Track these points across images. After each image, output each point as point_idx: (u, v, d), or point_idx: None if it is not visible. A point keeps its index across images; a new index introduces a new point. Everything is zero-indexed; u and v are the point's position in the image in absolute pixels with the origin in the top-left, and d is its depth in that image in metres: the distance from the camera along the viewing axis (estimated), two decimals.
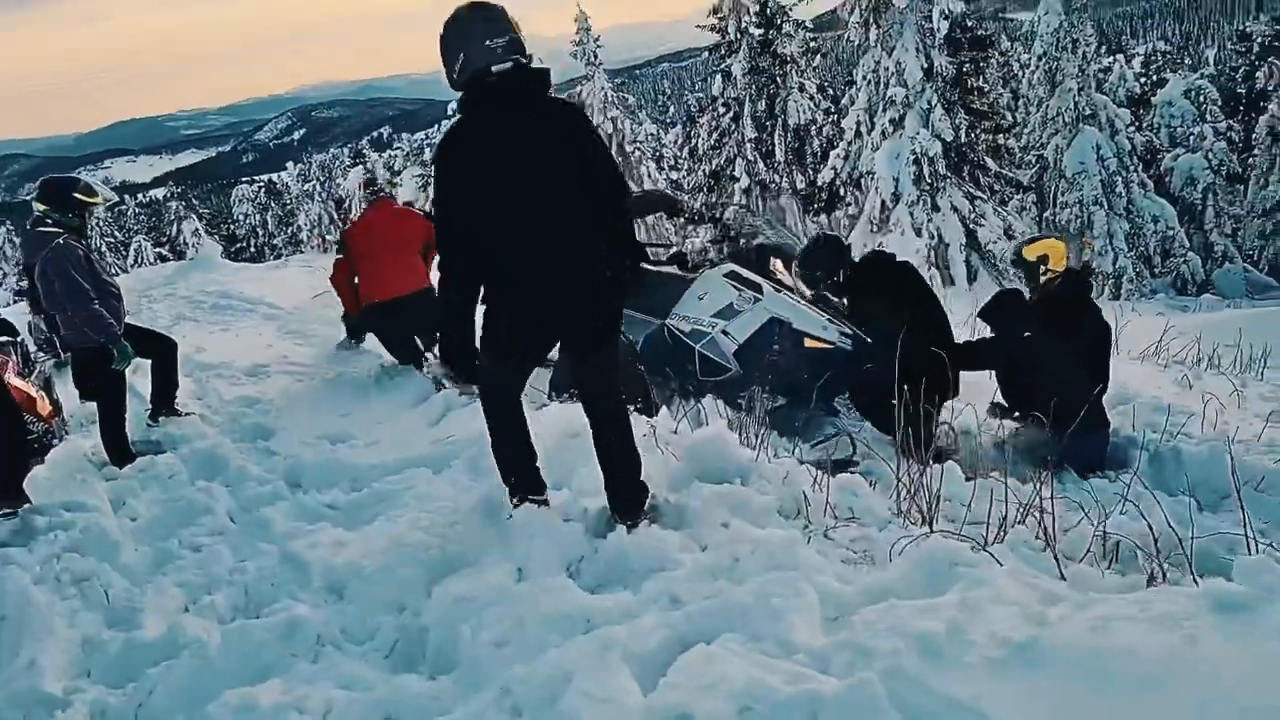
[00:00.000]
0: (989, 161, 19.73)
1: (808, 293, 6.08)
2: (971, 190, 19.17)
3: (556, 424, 4.77)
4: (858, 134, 20.52)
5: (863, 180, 20.41)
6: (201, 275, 15.73)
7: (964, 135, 18.91)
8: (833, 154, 21.90)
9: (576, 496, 4.22)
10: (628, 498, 3.80)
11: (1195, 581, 2.85)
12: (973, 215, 18.73)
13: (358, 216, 8.13)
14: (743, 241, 6.61)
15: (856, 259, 6.21)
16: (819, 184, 22.73)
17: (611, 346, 3.79)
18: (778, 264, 6.25)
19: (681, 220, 7.85)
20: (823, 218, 24.16)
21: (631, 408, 4.29)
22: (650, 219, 18.68)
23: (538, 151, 3.40)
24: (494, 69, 3.33)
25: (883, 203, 19.04)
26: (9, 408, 5.47)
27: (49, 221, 5.65)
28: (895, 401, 4.59)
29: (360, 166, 41.13)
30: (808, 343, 5.83)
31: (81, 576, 4.18)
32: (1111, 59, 28.16)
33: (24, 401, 6.07)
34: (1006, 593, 2.74)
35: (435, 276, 4.24)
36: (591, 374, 3.79)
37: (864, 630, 2.67)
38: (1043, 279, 5.70)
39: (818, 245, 6.21)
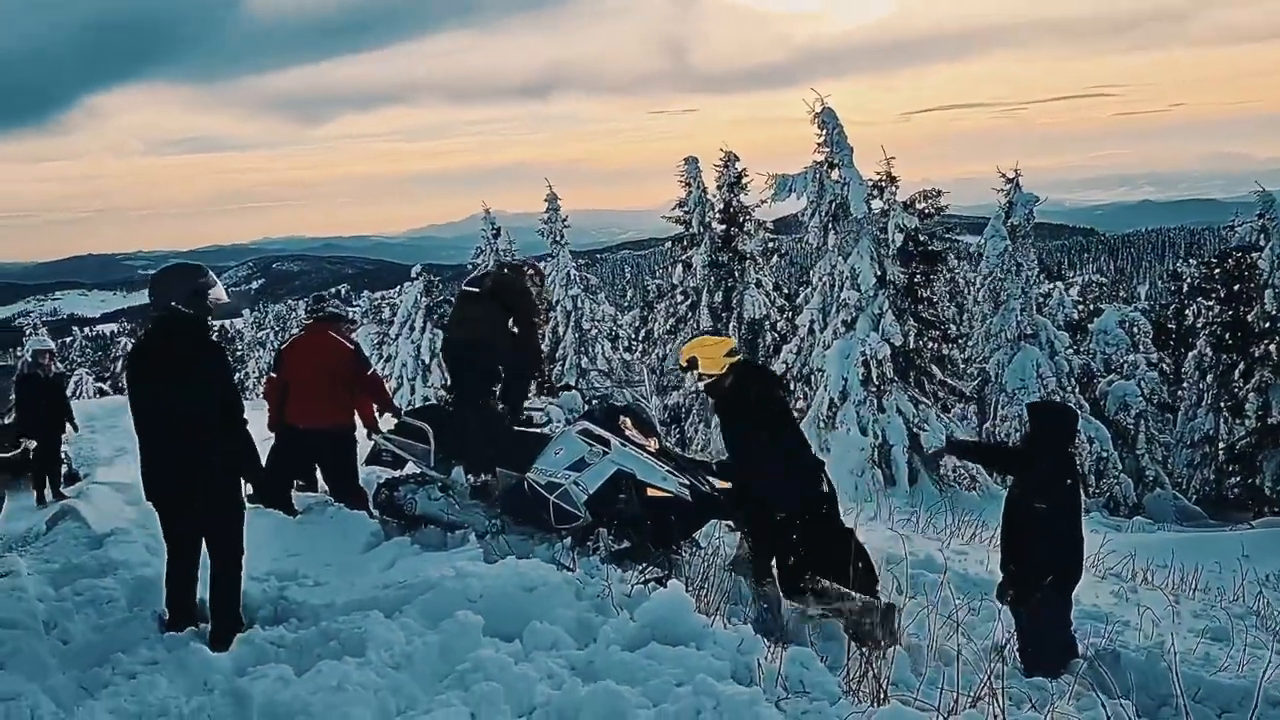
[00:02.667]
0: (934, 369, 20.38)
1: (653, 446, 6.64)
2: (916, 395, 19.71)
3: (513, 578, 4.78)
4: (810, 332, 21.16)
5: (813, 377, 20.92)
6: None
7: (912, 342, 19.58)
8: (785, 349, 22.51)
9: (529, 650, 4.21)
10: (222, 635, 4.68)
11: None
12: (917, 419, 19.19)
13: (297, 333, 8.29)
14: (596, 402, 7.15)
15: None
16: None
17: (211, 509, 4.87)
18: (626, 421, 6.77)
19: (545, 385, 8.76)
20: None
21: None
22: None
23: (166, 370, 4.76)
24: (152, 314, 4.93)
25: (831, 400, 19.47)
26: None
27: None
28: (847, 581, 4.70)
29: None
30: (650, 492, 6.38)
31: (8, 695, 4.03)
32: (1051, 285, 29.61)
33: None
34: None
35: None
36: (201, 531, 4.89)
37: None
38: (701, 386, 6.12)
39: None
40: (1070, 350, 23.64)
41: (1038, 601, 5.21)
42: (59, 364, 11.48)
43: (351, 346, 7.76)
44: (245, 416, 5.00)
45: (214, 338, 5.12)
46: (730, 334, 24.48)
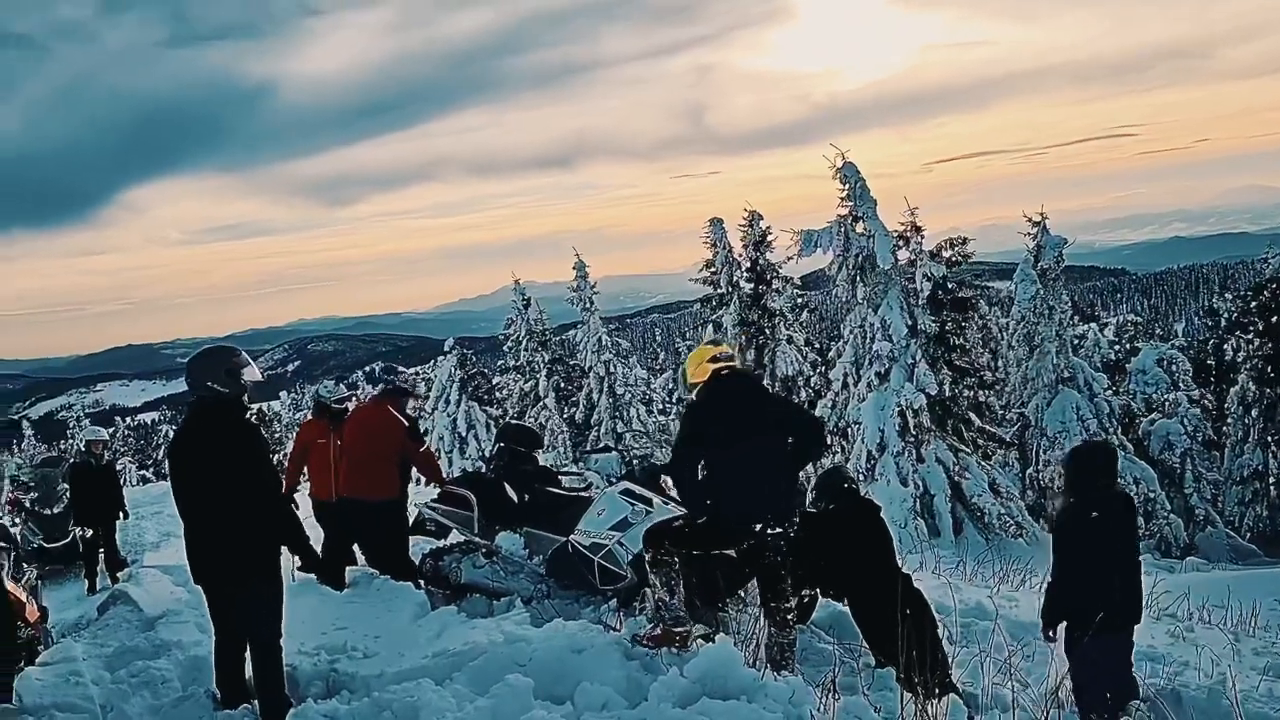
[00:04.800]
0: (972, 417, 20.22)
1: None
2: (956, 444, 19.54)
3: (561, 641, 4.79)
4: (844, 385, 21.09)
5: (849, 430, 20.83)
6: None
7: (948, 390, 19.46)
8: (820, 404, 22.43)
9: (580, 712, 4.21)
10: (271, 711, 4.85)
11: None
12: (957, 468, 19.00)
13: (362, 400, 8.35)
14: (636, 463, 7.12)
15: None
16: None
17: (253, 587, 4.95)
18: (668, 481, 6.71)
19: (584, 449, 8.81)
20: (809, 466, 24.44)
21: None
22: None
23: (205, 453, 4.89)
24: (190, 398, 5.05)
25: (868, 452, 19.34)
26: (5, 609, 5.47)
27: None
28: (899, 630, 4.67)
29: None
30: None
31: None
32: (1086, 327, 29.39)
33: (15, 605, 6.08)
34: None
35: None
36: (239, 610, 5.01)
37: None
38: (692, 394, 5.64)
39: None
40: (1109, 391, 23.38)
41: (1087, 642, 5.13)
42: (110, 453, 11.90)
43: (405, 422, 7.85)
44: (294, 496, 5.13)
45: (250, 418, 5.25)
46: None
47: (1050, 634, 5.47)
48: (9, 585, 6.31)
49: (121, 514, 11.46)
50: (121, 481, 13.77)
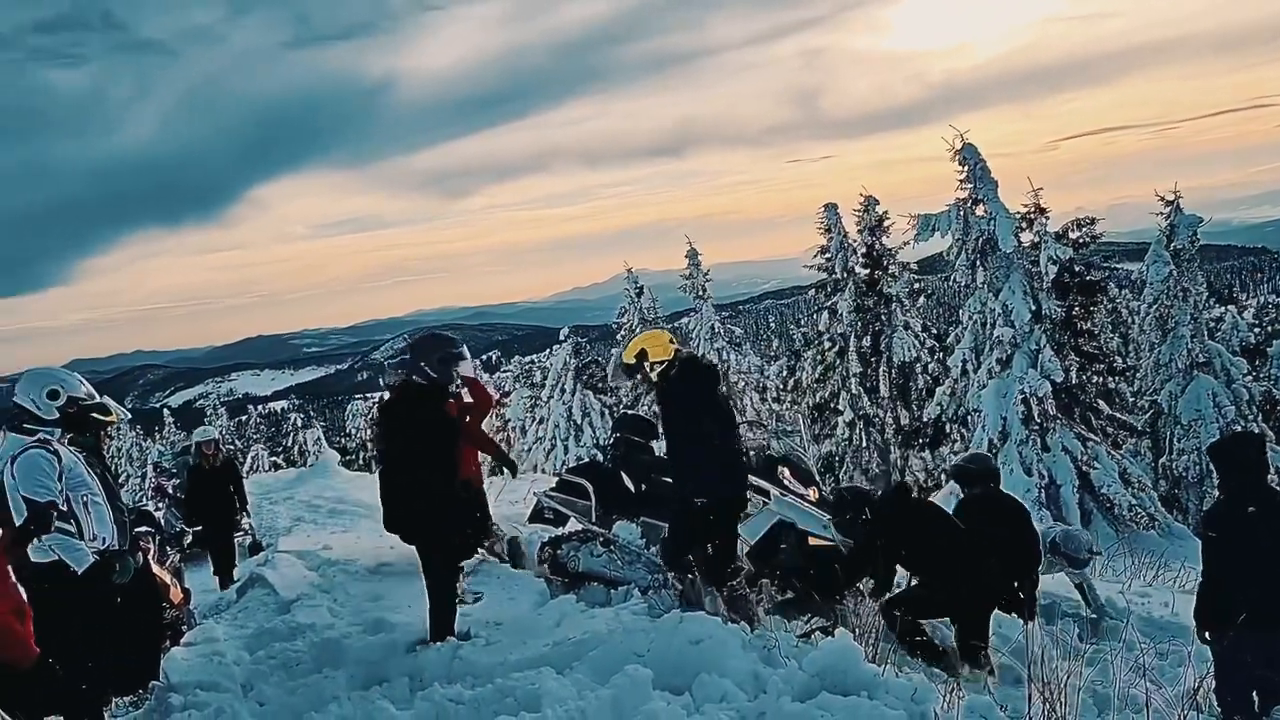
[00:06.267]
0: (1101, 404, 19.50)
1: (812, 496, 6.59)
2: (1083, 432, 18.88)
3: (679, 632, 4.81)
4: (963, 372, 20.60)
5: (969, 418, 20.34)
6: (320, 481, 16.40)
7: (1074, 377, 18.81)
8: (938, 391, 21.95)
9: (699, 703, 4.22)
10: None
11: None
12: (1085, 457, 18.37)
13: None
14: (753, 453, 7.07)
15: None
16: (924, 420, 22.72)
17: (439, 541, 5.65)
18: (785, 471, 6.74)
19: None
20: (927, 454, 23.98)
21: None
22: None
23: (404, 428, 5.42)
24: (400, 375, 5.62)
25: (990, 441, 18.83)
26: (153, 591, 5.77)
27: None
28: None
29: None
30: (811, 541, 6.37)
31: None
32: (1223, 309, 28.05)
33: (160, 587, 6.42)
34: None
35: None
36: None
37: None
38: (654, 375, 5.92)
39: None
40: (1249, 377, 22.29)
41: (1231, 640, 4.91)
42: (224, 449, 11.62)
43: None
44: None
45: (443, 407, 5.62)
46: (880, 378, 24.07)
47: (1206, 635, 5.24)
48: (154, 568, 6.66)
49: (243, 510, 11.15)
50: (248, 469, 14.28)
